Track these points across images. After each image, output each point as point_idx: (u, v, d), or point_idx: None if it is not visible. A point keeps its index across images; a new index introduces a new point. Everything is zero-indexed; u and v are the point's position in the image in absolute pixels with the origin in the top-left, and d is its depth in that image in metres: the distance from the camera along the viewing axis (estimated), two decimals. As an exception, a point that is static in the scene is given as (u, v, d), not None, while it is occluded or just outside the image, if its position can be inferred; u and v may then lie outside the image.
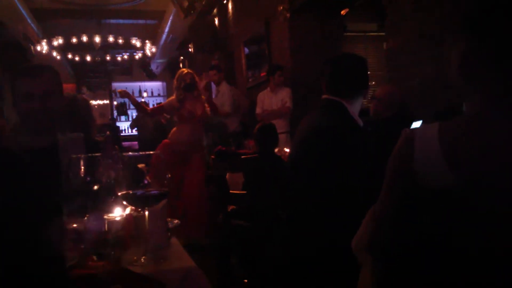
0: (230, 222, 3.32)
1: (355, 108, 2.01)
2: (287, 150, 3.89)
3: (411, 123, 2.74)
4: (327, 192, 1.87)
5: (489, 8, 0.92)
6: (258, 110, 5.46)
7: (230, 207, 3.37)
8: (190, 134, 4.51)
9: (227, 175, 3.43)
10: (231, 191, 3.29)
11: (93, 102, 12.01)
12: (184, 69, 4.62)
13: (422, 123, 2.65)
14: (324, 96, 2.03)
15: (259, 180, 3.10)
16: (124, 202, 1.32)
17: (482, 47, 0.91)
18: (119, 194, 1.26)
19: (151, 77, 12.13)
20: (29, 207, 0.64)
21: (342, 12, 5.65)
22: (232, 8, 7.47)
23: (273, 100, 5.34)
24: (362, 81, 2.05)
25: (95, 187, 1.42)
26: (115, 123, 11.13)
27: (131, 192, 1.26)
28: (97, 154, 1.47)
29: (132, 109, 12.07)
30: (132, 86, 12.85)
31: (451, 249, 0.88)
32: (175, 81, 4.52)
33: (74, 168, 1.38)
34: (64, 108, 2.01)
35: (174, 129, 4.63)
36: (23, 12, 7.64)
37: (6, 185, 0.63)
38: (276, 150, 3.52)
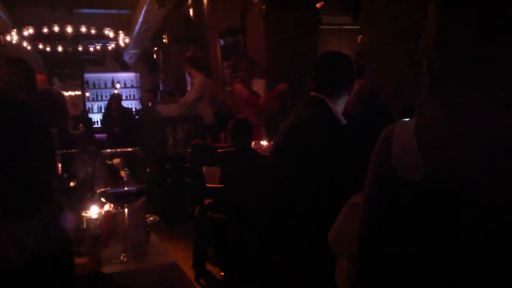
0: (206, 215, 3.33)
1: (338, 105, 2.03)
2: (263, 143, 3.91)
3: (387, 118, 2.74)
4: (304, 187, 1.89)
5: None
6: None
7: (207, 201, 3.37)
8: None
9: (204, 169, 3.43)
10: (207, 185, 3.30)
11: (65, 94, 11.72)
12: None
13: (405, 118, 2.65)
14: (311, 93, 2.05)
15: (235, 174, 3.11)
16: (103, 199, 1.31)
17: (455, 15, 0.93)
18: (98, 191, 1.25)
19: (124, 68, 11.92)
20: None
21: (317, 5, 5.68)
22: (208, -1, 7.41)
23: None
24: (345, 79, 2.06)
25: (72, 184, 1.40)
26: (87, 115, 10.85)
27: (109, 189, 1.25)
28: (73, 150, 1.45)
29: (105, 100, 11.84)
30: (104, 77, 12.61)
31: (430, 246, 0.92)
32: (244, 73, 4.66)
33: (50, 164, 1.36)
34: (38, 101, 1.98)
35: None
36: (-9, 0, 7.41)
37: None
38: (252, 143, 3.53)
